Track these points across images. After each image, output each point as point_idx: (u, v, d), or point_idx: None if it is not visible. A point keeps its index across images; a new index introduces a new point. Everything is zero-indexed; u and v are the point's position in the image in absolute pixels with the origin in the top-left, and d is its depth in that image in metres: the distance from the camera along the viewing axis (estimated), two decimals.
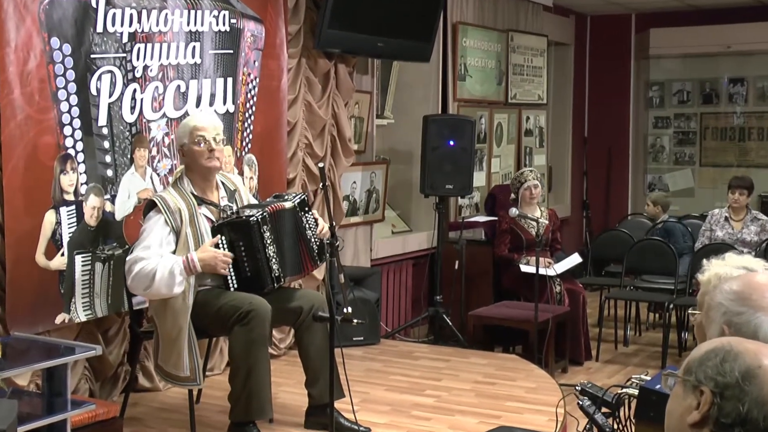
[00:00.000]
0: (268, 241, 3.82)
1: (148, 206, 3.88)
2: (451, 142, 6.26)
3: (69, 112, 3.97)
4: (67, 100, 3.95)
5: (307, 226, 3.99)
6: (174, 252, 3.78)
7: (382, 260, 6.44)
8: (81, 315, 4.08)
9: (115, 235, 4.24)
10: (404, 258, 6.70)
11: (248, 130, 4.95)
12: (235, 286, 3.83)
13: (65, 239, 3.99)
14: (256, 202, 4.19)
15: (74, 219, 4.04)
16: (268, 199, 4.19)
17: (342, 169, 5.82)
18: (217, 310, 3.77)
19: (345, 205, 6.02)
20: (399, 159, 7.00)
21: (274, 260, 3.84)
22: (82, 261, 4.07)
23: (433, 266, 6.45)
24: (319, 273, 5.53)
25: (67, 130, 3.97)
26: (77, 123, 4.01)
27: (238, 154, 4.89)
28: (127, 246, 4.21)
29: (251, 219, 3.80)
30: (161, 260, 3.71)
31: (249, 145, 4.96)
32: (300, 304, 3.96)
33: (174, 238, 3.78)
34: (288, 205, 3.94)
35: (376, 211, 6.46)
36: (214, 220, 3.89)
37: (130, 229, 4.29)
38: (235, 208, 3.97)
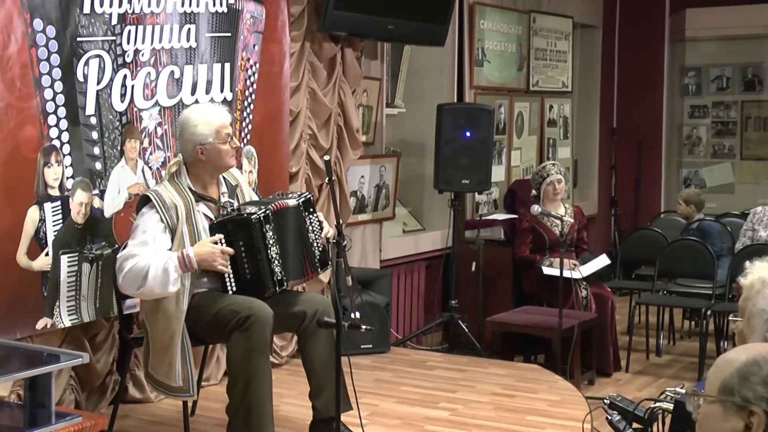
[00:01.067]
0: (271, 242, 3.83)
1: (141, 201, 3.89)
2: (468, 133, 6.26)
3: (53, 99, 3.97)
4: (52, 87, 3.96)
5: (310, 228, 3.99)
6: (169, 251, 3.79)
7: (392, 261, 6.45)
8: (65, 320, 4.09)
9: (104, 233, 4.24)
10: (416, 259, 6.71)
11: (247, 120, 4.96)
12: (234, 288, 3.83)
13: (50, 238, 4.00)
14: (257, 198, 4.20)
15: (59, 216, 4.04)
16: (270, 197, 4.19)
17: (349, 163, 5.83)
18: (213, 315, 3.78)
19: (352, 202, 6.03)
20: (411, 151, 7.00)
21: (276, 262, 3.84)
22: (68, 261, 4.09)
23: (448, 268, 6.45)
24: (325, 275, 5.52)
25: (52, 120, 3.97)
26: (62, 112, 4.01)
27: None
28: (116, 245, 4.21)
29: (252, 216, 3.80)
30: (154, 256, 3.71)
31: (248, 136, 4.97)
32: (303, 309, 3.95)
33: (169, 235, 3.79)
34: (292, 203, 3.95)
35: (386, 208, 6.46)
36: (213, 217, 3.90)
37: (120, 227, 4.30)
38: (236, 204, 3.97)
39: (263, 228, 3.80)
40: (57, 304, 4.04)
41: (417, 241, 6.76)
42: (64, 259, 4.06)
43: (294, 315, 3.95)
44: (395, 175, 6.49)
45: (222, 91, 4.76)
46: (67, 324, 4.10)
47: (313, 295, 4.25)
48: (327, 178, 3.71)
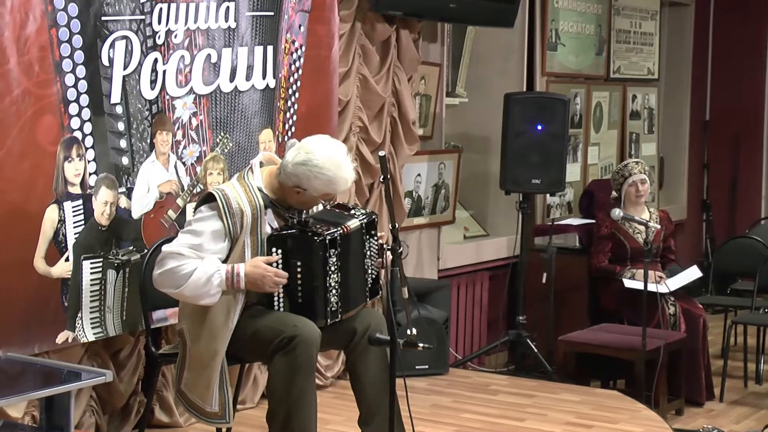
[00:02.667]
0: (332, 268, 3.83)
1: (203, 199, 3.88)
2: (539, 127, 6.24)
3: (75, 86, 3.99)
4: (74, 71, 3.97)
5: (368, 254, 4.00)
6: (224, 261, 3.80)
7: (451, 271, 6.43)
8: (88, 334, 4.11)
9: (132, 236, 4.26)
10: (479, 269, 6.70)
11: (292, 110, 4.97)
12: (281, 310, 3.86)
13: (70, 241, 4.02)
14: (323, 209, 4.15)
15: (81, 216, 4.06)
16: (335, 210, 4.10)
17: (404, 159, 5.82)
18: (254, 333, 3.81)
19: (407, 203, 6.02)
20: (474, 147, 6.98)
21: (333, 291, 3.85)
22: (91, 268, 4.10)
23: (515, 280, 6.42)
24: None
25: (73, 109, 3.99)
26: (85, 100, 4.03)
27: (280, 140, 4.90)
28: (145, 250, 4.22)
29: (318, 238, 3.79)
30: (203, 262, 3.74)
31: (292, 128, 4.97)
32: (353, 324, 3.95)
33: (228, 243, 3.81)
34: (354, 225, 3.92)
35: (445, 210, 6.45)
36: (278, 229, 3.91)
37: (149, 230, 4.30)
38: (303, 217, 3.94)
39: (327, 252, 3.80)
40: (79, 315, 4.06)
41: (480, 248, 6.75)
42: (87, 265, 4.08)
43: (342, 331, 3.95)
44: (456, 173, 6.47)
45: (264, 77, 4.77)
46: (91, 338, 4.12)
47: (365, 309, 4.22)
48: (380, 177, 3.71)
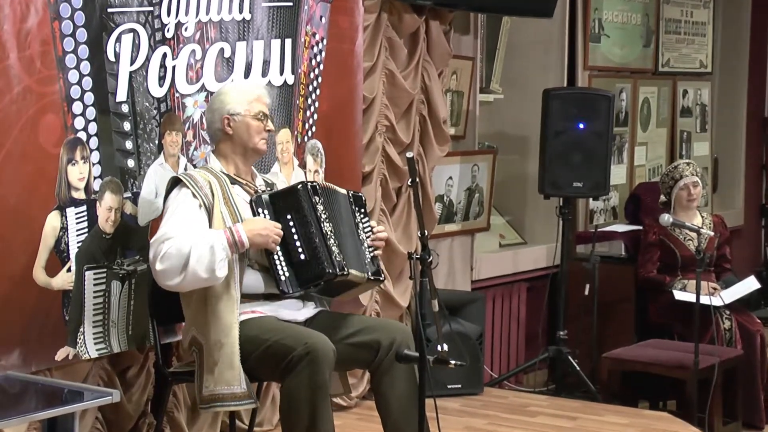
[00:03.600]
0: (323, 216, 3.97)
1: (168, 185, 4.02)
2: (581, 125, 6.25)
3: (79, 83, 3.99)
4: (77, 68, 3.97)
5: (361, 225, 4.13)
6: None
7: (486, 282, 6.45)
8: (91, 350, 4.10)
9: (138, 245, 4.25)
10: (516, 279, 6.72)
11: (312, 108, 4.96)
12: (286, 274, 3.91)
13: (72, 250, 4.01)
14: None
15: (85, 223, 4.05)
16: None
17: (434, 161, 5.82)
18: (265, 350, 3.84)
19: (438, 209, 6.02)
20: (510, 147, 6.99)
21: (332, 240, 3.94)
22: (95, 278, 4.10)
23: (555, 291, 6.44)
24: (404, 298, 5.54)
25: (77, 107, 3.99)
26: (90, 98, 4.02)
27: (299, 140, 4.89)
28: None
29: (299, 185, 3.98)
30: (196, 236, 3.79)
31: (313, 128, 4.96)
32: (378, 338, 3.97)
33: (205, 216, 3.90)
34: (340, 189, 4.13)
35: (479, 216, 6.46)
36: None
37: None
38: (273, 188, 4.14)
39: (312, 199, 3.96)
40: (81, 330, 4.05)
41: (517, 257, 6.76)
42: (90, 276, 4.08)
43: (366, 345, 3.97)
44: (490, 176, 6.48)
45: (282, 73, 4.77)
46: (93, 355, 4.10)
47: (389, 322, 4.25)
48: (409, 180, 3.70)
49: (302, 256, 3.92)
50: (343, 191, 4.15)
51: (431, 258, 3.72)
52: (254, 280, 3.98)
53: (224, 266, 3.77)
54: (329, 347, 3.76)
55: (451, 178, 6.21)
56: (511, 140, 7.00)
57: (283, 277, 3.91)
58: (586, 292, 6.29)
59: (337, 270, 3.91)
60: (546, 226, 6.83)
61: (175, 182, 3.98)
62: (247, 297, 3.95)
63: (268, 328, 3.87)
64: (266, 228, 3.86)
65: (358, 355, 3.98)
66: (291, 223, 3.94)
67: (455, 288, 6.12)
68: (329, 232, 3.94)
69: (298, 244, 3.92)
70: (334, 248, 3.93)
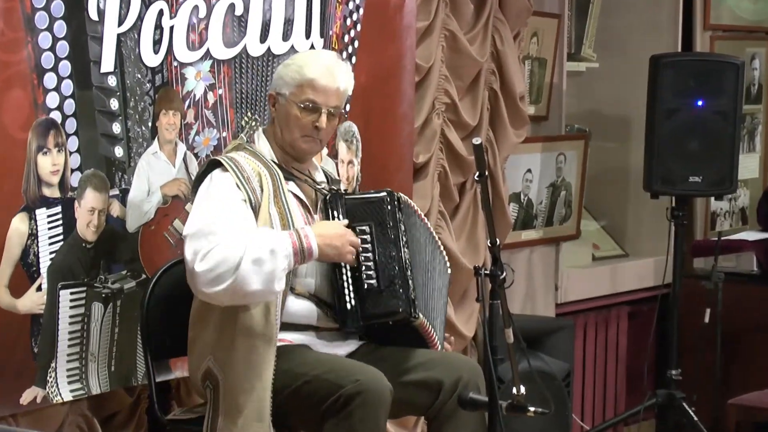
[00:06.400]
0: (403, 239, 4.02)
1: (206, 167, 4.00)
2: (700, 102, 6.23)
3: (53, 49, 3.98)
4: (50, 29, 3.96)
5: (438, 268, 4.25)
6: None
7: (575, 306, 6.54)
8: (64, 391, 4.12)
9: (126, 256, 4.28)
10: (614, 302, 6.79)
11: None
12: (353, 302, 3.94)
13: (44, 263, 4.03)
14: None
15: (59, 229, 4.07)
16: None
17: (509, 149, 5.85)
18: (302, 386, 3.86)
19: (513, 211, 6.04)
20: (606, 131, 7.05)
21: (409, 270, 3.99)
22: (72, 300, 4.12)
23: (666, 318, 6.44)
24: (468, 326, 5.53)
25: (50, 80, 3.99)
26: (65, 68, 4.03)
27: None
28: (144, 276, 4.25)
29: (385, 194, 4.02)
30: (252, 233, 3.79)
31: (347, 106, 4.94)
32: (439, 377, 4.00)
33: (252, 214, 3.90)
34: (418, 210, 4.23)
35: (566, 220, 6.51)
36: (307, 202, 4.05)
37: (149, 247, 4.33)
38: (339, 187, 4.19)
39: (397, 215, 4.02)
40: (53, 365, 4.07)
41: (615, 273, 6.83)
42: (66, 296, 4.10)
43: (424, 385, 4.01)
44: (581, 168, 6.53)
45: (308, 35, 4.76)
46: (67, 397, 4.12)
47: (454, 356, 4.26)
48: (475, 174, 3.72)
49: (374, 283, 3.94)
50: (421, 215, 4.21)
51: (504, 275, 3.75)
52: (303, 308, 4.01)
53: (284, 279, 3.79)
54: (386, 386, 3.79)
55: (530, 171, 6.29)
56: (608, 122, 7.06)
57: (349, 305, 3.93)
58: (707, 319, 6.34)
59: (410, 310, 3.94)
60: (653, 233, 6.85)
61: (213, 164, 3.98)
62: (285, 327, 3.97)
63: (305, 360, 3.91)
64: (342, 237, 3.88)
65: (413, 397, 4.02)
66: (368, 239, 3.95)
67: (535, 313, 6.19)
68: (407, 261, 3.98)
69: (371, 265, 3.94)
70: (410, 281, 3.97)
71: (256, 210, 3.89)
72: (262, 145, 4.09)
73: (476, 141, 3.72)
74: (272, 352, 3.84)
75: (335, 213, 3.97)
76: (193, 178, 4.40)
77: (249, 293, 3.76)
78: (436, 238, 4.32)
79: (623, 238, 7.10)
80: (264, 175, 3.94)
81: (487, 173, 3.67)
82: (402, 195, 4.16)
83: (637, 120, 6.57)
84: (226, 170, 3.90)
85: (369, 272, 3.94)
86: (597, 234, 7.03)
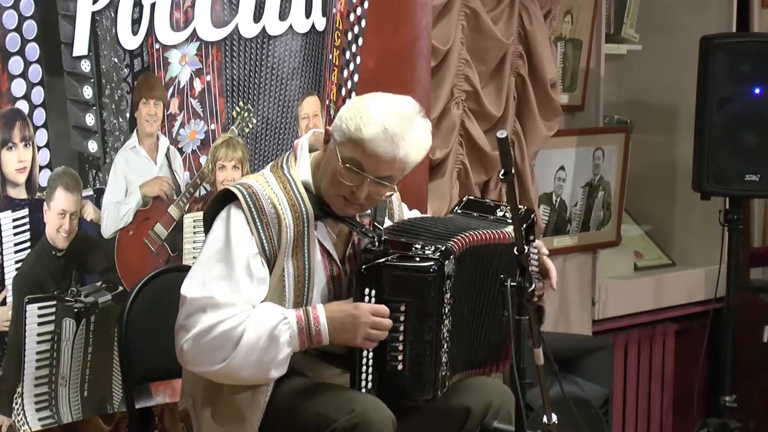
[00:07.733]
0: (446, 310, 3.91)
1: (216, 201, 3.93)
2: (757, 90, 6.25)
3: (18, 30, 3.99)
4: (16, 7, 3.97)
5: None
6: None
7: (615, 323, 6.59)
8: (31, 420, 4.13)
9: (101, 265, 4.30)
10: (660, 318, 6.83)
11: (352, 66, 5.04)
12: (369, 385, 3.90)
13: (8, 273, 4.05)
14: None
15: (26, 235, 4.10)
16: (456, 210, 4.30)
17: (539, 143, 5.91)
18: (294, 418, 3.87)
19: (543, 213, 6.08)
20: (650, 123, 7.09)
21: (444, 347, 3.92)
22: (40, 315, 4.14)
23: (719, 336, 6.46)
24: None
25: (15, 65, 4.00)
26: (33, 51, 4.04)
27: (332, 112, 4.94)
28: (121, 288, 4.29)
29: (430, 273, 3.84)
30: (252, 310, 3.75)
31: (353, 94, 4.99)
32: (466, 403, 4.02)
33: (266, 270, 3.85)
34: (485, 230, 4.07)
35: (604, 225, 6.54)
36: (334, 254, 3.97)
37: (127, 255, 4.35)
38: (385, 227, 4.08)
39: (441, 288, 3.87)
40: (19, 390, 4.09)
41: (661, 285, 6.86)
42: (33, 311, 4.12)
43: (450, 413, 4.02)
44: (622, 165, 6.54)
45: (309, 14, 4.77)
46: (35, 427, 4.14)
47: (483, 381, 4.23)
48: (500, 171, 3.69)
49: (398, 366, 3.88)
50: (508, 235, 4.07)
51: (534, 286, 3.73)
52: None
53: (284, 364, 3.79)
54: (387, 416, 3.78)
55: (563, 168, 6.33)
56: (652, 112, 7.10)
57: (363, 383, 3.88)
58: (765, 338, 6.47)
59: (438, 393, 3.91)
60: (704, 239, 6.96)
61: (225, 197, 3.89)
62: None
63: (298, 388, 3.91)
64: (363, 323, 3.77)
65: (435, 427, 4.04)
66: (401, 318, 3.85)
67: (569, 331, 6.24)
68: (446, 335, 3.90)
69: (398, 346, 3.87)
70: (443, 356, 3.91)
71: (271, 261, 3.84)
72: (303, 167, 3.97)
73: (501, 134, 3.67)
74: (264, 400, 3.84)
75: (366, 290, 3.84)
76: (176, 176, 4.44)
77: (241, 379, 3.77)
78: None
79: (670, 245, 7.15)
80: (286, 221, 3.83)
81: (513, 171, 3.62)
82: (458, 246, 3.94)
83: (686, 110, 6.59)
84: (239, 207, 3.81)
85: (394, 353, 3.86)
86: (640, 240, 7.07)
